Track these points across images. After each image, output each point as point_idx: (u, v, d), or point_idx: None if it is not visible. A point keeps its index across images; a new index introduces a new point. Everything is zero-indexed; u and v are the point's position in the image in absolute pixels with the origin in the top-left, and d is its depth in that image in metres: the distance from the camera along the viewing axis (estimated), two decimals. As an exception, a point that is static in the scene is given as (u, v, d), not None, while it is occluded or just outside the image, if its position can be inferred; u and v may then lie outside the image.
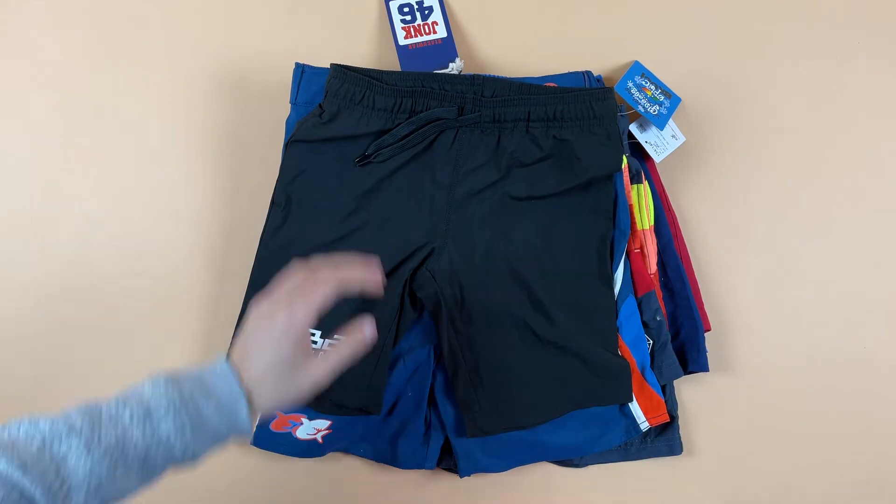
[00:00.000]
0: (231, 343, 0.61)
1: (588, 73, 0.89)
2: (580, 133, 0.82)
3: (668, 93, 0.90)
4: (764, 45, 0.95)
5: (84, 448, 0.54)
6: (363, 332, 0.64)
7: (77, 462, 0.54)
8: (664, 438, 0.87)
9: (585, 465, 0.87)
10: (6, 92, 0.94)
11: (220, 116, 0.93)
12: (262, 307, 0.62)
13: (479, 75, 0.83)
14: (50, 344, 0.90)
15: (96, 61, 0.94)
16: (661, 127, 0.89)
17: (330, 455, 0.88)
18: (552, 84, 0.88)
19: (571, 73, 0.89)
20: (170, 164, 0.92)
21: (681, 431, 0.87)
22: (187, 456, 0.58)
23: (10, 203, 0.92)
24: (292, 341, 0.60)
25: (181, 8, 0.95)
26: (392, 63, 0.92)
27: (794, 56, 0.95)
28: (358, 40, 0.94)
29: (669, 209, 0.90)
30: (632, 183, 0.86)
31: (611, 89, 0.85)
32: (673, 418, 0.86)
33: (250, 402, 0.60)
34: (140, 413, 0.57)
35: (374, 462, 0.88)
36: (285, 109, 0.87)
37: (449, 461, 0.86)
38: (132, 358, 0.89)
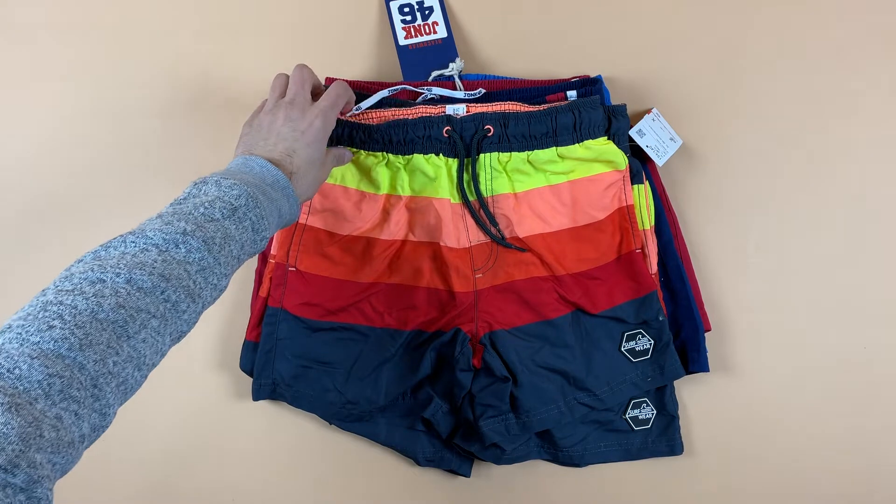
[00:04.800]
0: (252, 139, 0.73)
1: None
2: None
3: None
4: (764, 45, 0.95)
5: (205, 248, 0.58)
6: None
7: (202, 259, 0.58)
8: (664, 438, 0.87)
9: (586, 464, 0.87)
10: (7, 92, 0.93)
11: (218, 116, 0.93)
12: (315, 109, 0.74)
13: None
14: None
15: (96, 68, 0.94)
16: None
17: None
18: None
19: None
20: (170, 168, 0.92)
21: (681, 431, 0.87)
22: (261, 245, 0.65)
23: (10, 203, 0.92)
24: (324, 140, 0.73)
25: (179, 8, 0.94)
26: (392, 63, 0.92)
27: (794, 55, 0.95)
28: (358, 40, 0.94)
29: (669, 209, 0.90)
30: (632, 183, 0.86)
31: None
32: (673, 418, 0.86)
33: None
34: (227, 210, 0.61)
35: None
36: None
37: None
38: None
